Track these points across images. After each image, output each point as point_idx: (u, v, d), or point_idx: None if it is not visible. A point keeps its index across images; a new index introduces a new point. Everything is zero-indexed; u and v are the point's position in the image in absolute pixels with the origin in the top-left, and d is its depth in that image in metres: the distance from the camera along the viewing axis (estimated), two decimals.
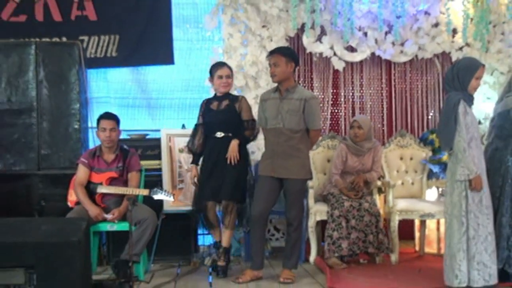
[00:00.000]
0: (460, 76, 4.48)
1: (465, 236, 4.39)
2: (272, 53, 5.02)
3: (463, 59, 4.85)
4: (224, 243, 5.19)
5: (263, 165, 5.04)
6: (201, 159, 5.31)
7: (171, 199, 5.01)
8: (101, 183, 5.05)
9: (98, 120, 5.21)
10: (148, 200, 5.37)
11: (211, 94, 5.58)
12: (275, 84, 5.07)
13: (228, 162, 5.08)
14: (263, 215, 4.97)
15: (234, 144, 5.11)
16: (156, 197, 4.91)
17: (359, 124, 5.72)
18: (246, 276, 4.94)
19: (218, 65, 5.33)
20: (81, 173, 5.11)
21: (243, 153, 5.22)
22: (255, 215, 4.96)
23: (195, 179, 5.26)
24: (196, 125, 5.36)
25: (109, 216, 4.95)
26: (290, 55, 5.00)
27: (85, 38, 6.52)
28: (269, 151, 5.01)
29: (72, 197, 5.15)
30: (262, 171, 5.05)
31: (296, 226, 4.96)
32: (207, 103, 5.36)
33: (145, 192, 4.97)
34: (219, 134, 5.18)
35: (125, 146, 5.31)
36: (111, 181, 5.09)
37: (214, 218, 5.22)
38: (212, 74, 5.29)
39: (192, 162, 5.32)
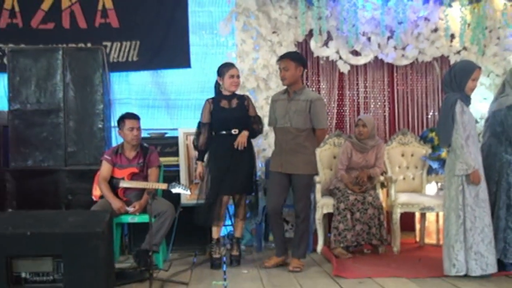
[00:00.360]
0: (457, 78, 4.49)
1: (462, 228, 4.38)
2: (282, 57, 5.02)
3: (460, 62, 4.86)
4: (238, 233, 5.20)
5: (273, 162, 5.08)
6: (207, 155, 5.23)
7: (188, 192, 5.00)
8: (123, 178, 5.06)
9: (123, 120, 5.17)
10: (167, 194, 5.39)
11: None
12: (285, 86, 5.08)
13: (236, 147, 5.01)
14: (277, 208, 5.02)
15: (245, 133, 5.11)
16: (174, 190, 4.91)
17: (363, 123, 5.70)
18: (271, 261, 5.06)
19: (229, 65, 5.22)
20: (105, 169, 5.12)
21: (250, 146, 5.23)
22: (270, 209, 5.04)
23: (199, 175, 5.19)
24: (200, 123, 5.20)
25: (130, 209, 4.96)
26: (299, 59, 5.01)
27: (108, 44, 6.53)
28: (278, 148, 5.04)
29: (96, 192, 5.16)
30: (272, 167, 5.08)
31: (304, 218, 4.98)
32: (214, 102, 5.17)
33: (163, 186, 4.96)
34: (235, 131, 5.10)
35: (145, 144, 5.31)
36: (132, 176, 5.10)
37: (224, 212, 5.22)
38: (223, 73, 5.15)
39: (198, 159, 5.21)
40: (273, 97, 5.26)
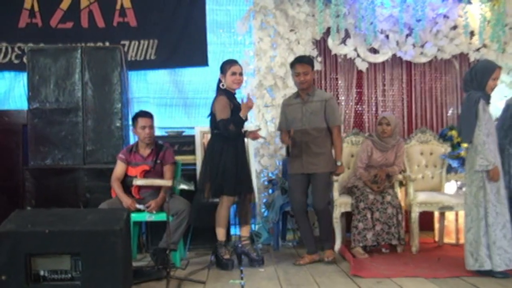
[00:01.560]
0: (478, 77, 4.52)
1: (484, 223, 4.41)
2: (301, 62, 5.09)
3: (481, 62, 4.87)
4: (248, 233, 5.16)
5: (293, 164, 5.15)
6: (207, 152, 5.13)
7: (192, 188, 4.97)
8: (136, 176, 5.07)
9: (136, 118, 5.20)
10: (185, 192, 5.40)
11: (242, 94, 5.43)
12: (294, 89, 5.14)
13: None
14: (303, 206, 5.17)
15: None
16: (179, 187, 4.89)
17: (387, 121, 5.66)
18: (305, 259, 5.12)
19: (231, 62, 5.06)
20: (118, 168, 5.17)
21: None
22: (296, 208, 5.19)
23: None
24: (225, 120, 4.85)
25: (141, 207, 4.98)
26: (313, 64, 5.23)
27: (126, 42, 6.57)
28: (298, 150, 5.11)
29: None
30: (292, 170, 5.17)
31: (326, 212, 5.19)
32: (229, 98, 4.96)
33: (168, 183, 4.96)
34: (244, 130, 5.13)
35: (160, 142, 5.33)
36: (145, 174, 5.13)
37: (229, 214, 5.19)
38: (225, 70, 4.98)
39: (240, 123, 4.93)
40: (284, 102, 5.35)
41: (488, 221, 4.40)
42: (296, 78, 5.10)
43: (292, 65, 5.16)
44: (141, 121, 5.16)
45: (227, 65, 5.02)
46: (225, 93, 4.97)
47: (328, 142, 5.15)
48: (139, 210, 5.01)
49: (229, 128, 4.86)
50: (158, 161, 5.20)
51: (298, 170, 5.12)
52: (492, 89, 4.56)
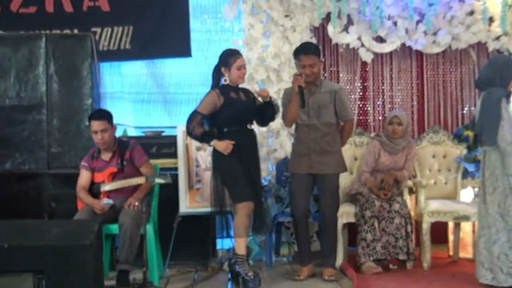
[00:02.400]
0: (504, 74, 4.55)
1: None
2: (307, 53, 5.12)
3: (502, 57, 4.89)
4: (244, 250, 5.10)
5: (298, 163, 5.20)
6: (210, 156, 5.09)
7: (169, 181, 4.93)
8: (103, 182, 5.07)
9: (89, 121, 5.17)
10: (165, 201, 5.41)
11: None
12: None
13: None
14: (305, 213, 5.27)
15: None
16: (154, 182, 4.92)
17: (399, 120, 5.68)
18: (304, 273, 5.20)
19: (235, 54, 4.99)
20: (83, 176, 5.19)
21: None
22: (298, 215, 5.23)
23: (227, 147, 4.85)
24: (197, 112, 4.86)
25: (110, 201, 5.00)
26: (319, 53, 5.29)
27: (98, 30, 6.56)
28: (304, 148, 5.16)
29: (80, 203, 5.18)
30: (296, 169, 5.21)
31: (334, 222, 5.27)
32: (222, 93, 4.91)
33: (141, 180, 4.98)
34: (250, 126, 5.05)
35: (123, 139, 5.33)
36: (113, 177, 5.13)
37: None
38: (229, 64, 4.92)
39: (207, 141, 4.87)
40: (287, 91, 5.35)
41: None
42: (302, 71, 5.11)
43: (297, 55, 5.17)
44: (93, 125, 5.11)
45: (231, 58, 4.94)
46: (227, 87, 4.95)
47: (339, 139, 5.25)
48: (113, 208, 4.98)
49: (193, 122, 4.82)
50: (125, 162, 5.18)
51: (304, 170, 5.15)
52: None
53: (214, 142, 4.83)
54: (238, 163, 4.86)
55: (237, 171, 4.85)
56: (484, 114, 4.59)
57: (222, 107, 4.87)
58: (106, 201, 5.00)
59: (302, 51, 5.17)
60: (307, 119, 5.15)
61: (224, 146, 4.80)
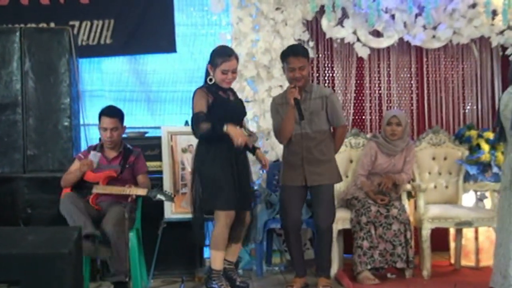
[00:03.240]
0: None
1: None
2: (296, 55, 5.12)
3: None
4: (234, 257, 5.12)
5: (291, 175, 5.20)
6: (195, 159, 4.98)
7: (171, 200, 5.03)
8: (97, 183, 5.08)
9: (99, 116, 5.21)
10: (149, 206, 5.41)
11: None
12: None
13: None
14: (298, 225, 5.27)
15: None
16: (155, 198, 4.93)
17: (398, 121, 5.72)
18: (297, 284, 5.22)
19: (223, 55, 4.81)
20: (74, 166, 5.16)
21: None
22: (291, 225, 5.23)
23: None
24: (199, 112, 4.73)
25: (98, 155, 5.05)
26: (308, 55, 5.28)
27: (76, 23, 6.55)
28: (297, 159, 5.16)
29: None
30: (289, 181, 5.21)
31: (330, 233, 5.27)
32: (210, 92, 4.83)
33: (142, 192, 4.98)
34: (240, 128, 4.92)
35: (128, 146, 5.35)
36: (109, 181, 5.12)
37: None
38: (215, 64, 4.80)
39: (220, 129, 4.62)
40: (276, 100, 5.35)
41: None
42: (291, 74, 5.12)
43: (285, 57, 5.17)
44: (103, 121, 5.17)
45: (219, 58, 4.82)
46: (207, 86, 4.86)
47: (333, 147, 5.26)
48: (99, 211, 4.97)
49: (199, 125, 4.69)
50: (127, 165, 5.21)
51: (298, 182, 5.15)
52: None
53: (227, 127, 4.59)
54: (229, 167, 4.78)
55: (226, 175, 4.75)
56: None
57: (212, 106, 4.78)
58: (93, 157, 5.02)
59: (291, 52, 5.16)
60: (299, 128, 5.12)
61: (239, 132, 4.62)
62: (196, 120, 4.72)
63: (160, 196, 4.95)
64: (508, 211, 4.48)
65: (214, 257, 4.81)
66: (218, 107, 4.78)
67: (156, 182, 5.65)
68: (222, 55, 4.84)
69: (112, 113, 5.21)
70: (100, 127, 5.21)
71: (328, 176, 5.18)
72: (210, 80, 4.86)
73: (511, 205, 4.44)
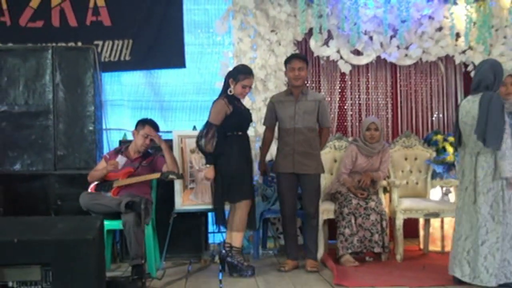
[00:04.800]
0: (498, 77, 4.47)
1: (500, 233, 4.34)
2: (299, 58, 5.27)
3: (494, 61, 4.65)
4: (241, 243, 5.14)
5: (282, 163, 5.25)
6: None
7: (181, 178, 5.23)
8: (117, 179, 5.09)
9: (143, 124, 5.24)
10: (162, 199, 5.41)
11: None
12: (284, 87, 5.31)
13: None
14: (294, 210, 5.32)
15: None
16: (167, 178, 5.06)
17: (376, 126, 5.72)
18: (289, 265, 5.24)
19: (245, 73, 5.06)
20: (100, 165, 5.22)
21: None
22: (287, 211, 5.28)
23: (211, 179, 5.02)
24: (211, 124, 4.94)
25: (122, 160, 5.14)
26: (307, 62, 5.41)
27: (100, 42, 6.55)
28: (289, 149, 5.21)
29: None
30: (281, 169, 5.26)
31: (316, 218, 5.30)
32: (230, 103, 5.00)
33: (156, 175, 5.09)
34: (248, 132, 5.20)
35: (149, 150, 5.37)
36: (128, 176, 5.15)
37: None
38: (237, 79, 5.01)
39: (209, 162, 4.96)
40: (274, 98, 5.40)
41: (508, 231, 4.34)
42: (291, 74, 5.19)
43: (288, 60, 5.29)
44: (147, 129, 5.22)
45: (242, 75, 5.03)
46: (227, 96, 5.03)
47: (318, 144, 5.31)
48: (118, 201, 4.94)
49: (209, 133, 4.90)
50: (144, 164, 5.23)
51: (288, 169, 5.20)
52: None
53: (207, 167, 4.98)
54: (244, 164, 5.01)
55: (244, 171, 5.00)
56: (490, 118, 4.33)
57: (231, 115, 4.98)
58: (119, 159, 5.11)
59: (293, 56, 5.39)
60: (293, 123, 5.18)
61: (210, 175, 4.96)
62: (207, 128, 4.95)
63: (171, 176, 5.07)
64: (474, 208, 4.45)
65: (236, 237, 4.99)
66: (235, 116, 5.00)
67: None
68: (244, 72, 5.07)
69: (154, 125, 5.29)
70: (141, 133, 5.22)
71: (314, 167, 5.21)
72: (230, 91, 5.00)
73: (476, 202, 4.42)
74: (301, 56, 5.49)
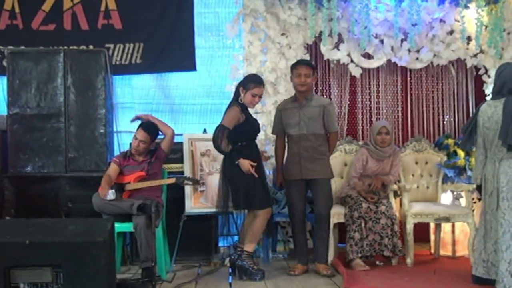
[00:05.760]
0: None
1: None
2: (304, 64, 5.27)
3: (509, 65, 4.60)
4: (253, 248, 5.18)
5: (291, 170, 5.25)
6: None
7: (197, 184, 5.24)
8: (129, 182, 5.11)
9: (138, 127, 5.30)
10: (172, 202, 5.42)
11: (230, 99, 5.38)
12: (293, 91, 5.34)
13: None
14: (303, 215, 5.30)
15: None
16: (183, 184, 5.10)
17: (387, 130, 5.71)
18: (299, 269, 5.21)
19: (256, 82, 5.07)
20: (110, 169, 5.24)
21: None
22: (297, 217, 5.27)
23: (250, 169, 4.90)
24: (223, 127, 4.90)
25: (111, 197, 4.99)
26: (315, 69, 5.45)
27: (111, 46, 6.56)
28: (295, 155, 5.21)
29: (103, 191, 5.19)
30: (289, 176, 5.26)
31: (328, 221, 5.28)
32: (243, 110, 5.05)
33: (171, 180, 5.11)
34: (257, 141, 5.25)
35: (151, 148, 5.38)
36: (140, 180, 5.18)
37: None
38: (248, 87, 5.02)
39: (236, 159, 4.88)
40: (280, 106, 5.44)
41: None
42: (297, 80, 5.19)
43: (294, 66, 5.29)
44: (138, 133, 5.27)
45: (252, 83, 5.05)
46: (240, 104, 5.04)
47: (326, 149, 5.30)
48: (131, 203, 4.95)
49: (222, 139, 4.88)
50: (153, 161, 5.28)
51: (296, 176, 5.20)
52: None
53: (240, 160, 4.87)
54: (257, 172, 4.98)
55: (257, 181, 4.96)
56: None
57: (243, 123, 5.01)
58: (109, 196, 4.97)
59: (299, 62, 5.37)
60: (298, 130, 5.19)
61: (247, 166, 4.86)
62: (220, 131, 4.90)
63: (187, 181, 5.11)
64: (497, 214, 4.40)
65: (251, 244, 5.01)
66: (247, 125, 5.04)
67: None
68: (255, 81, 5.08)
69: (147, 128, 5.29)
70: (134, 135, 5.25)
71: (322, 172, 5.20)
72: (240, 100, 5.03)
73: (499, 207, 4.36)
74: (308, 62, 5.48)
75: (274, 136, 5.58)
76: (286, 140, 5.42)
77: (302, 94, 5.22)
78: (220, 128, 4.92)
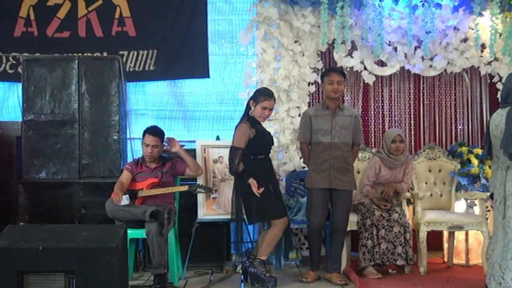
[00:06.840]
0: None
1: None
2: (336, 71, 5.30)
3: None
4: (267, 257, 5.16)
5: (318, 178, 5.21)
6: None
7: (210, 192, 5.22)
8: (141, 189, 5.12)
9: (144, 133, 5.28)
10: (185, 209, 5.42)
11: (244, 106, 5.37)
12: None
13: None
14: (322, 226, 5.29)
15: None
16: (196, 191, 5.10)
17: (401, 138, 5.70)
18: (312, 277, 5.26)
19: (265, 95, 5.08)
20: (123, 176, 5.25)
21: None
22: (315, 226, 5.26)
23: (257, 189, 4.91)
24: (236, 149, 4.95)
25: (126, 202, 5.00)
26: (345, 76, 5.53)
27: (125, 53, 6.59)
28: (325, 164, 5.18)
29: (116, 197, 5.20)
30: (316, 184, 5.21)
31: (344, 233, 5.31)
32: (252, 126, 5.03)
33: (184, 188, 5.12)
34: (270, 155, 5.26)
35: (164, 155, 5.38)
36: (152, 187, 5.18)
37: None
38: (257, 100, 5.04)
39: (247, 178, 4.91)
40: (309, 112, 5.39)
41: None
42: (329, 87, 5.19)
43: (326, 73, 5.30)
44: (146, 138, 5.26)
45: (262, 96, 5.07)
46: (249, 119, 5.05)
47: (352, 160, 5.32)
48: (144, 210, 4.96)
49: (235, 160, 4.91)
50: (165, 171, 5.26)
51: (323, 185, 5.17)
52: None
53: (250, 180, 4.87)
54: (270, 184, 4.99)
55: (269, 193, 4.95)
56: None
57: (254, 138, 5.00)
58: (123, 201, 4.99)
59: (331, 70, 5.41)
60: (330, 138, 5.17)
61: (255, 190, 4.85)
62: (234, 153, 4.94)
63: (199, 189, 5.12)
64: (504, 222, 4.36)
65: (265, 252, 5.00)
66: (259, 139, 5.03)
67: None
68: (264, 94, 5.09)
69: (155, 132, 5.29)
70: (143, 143, 5.26)
71: (349, 183, 5.23)
72: (251, 113, 5.04)
73: (506, 216, 4.32)
74: (339, 70, 5.54)
75: (286, 143, 5.57)
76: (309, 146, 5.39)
77: (335, 102, 5.23)
78: (233, 150, 4.96)
